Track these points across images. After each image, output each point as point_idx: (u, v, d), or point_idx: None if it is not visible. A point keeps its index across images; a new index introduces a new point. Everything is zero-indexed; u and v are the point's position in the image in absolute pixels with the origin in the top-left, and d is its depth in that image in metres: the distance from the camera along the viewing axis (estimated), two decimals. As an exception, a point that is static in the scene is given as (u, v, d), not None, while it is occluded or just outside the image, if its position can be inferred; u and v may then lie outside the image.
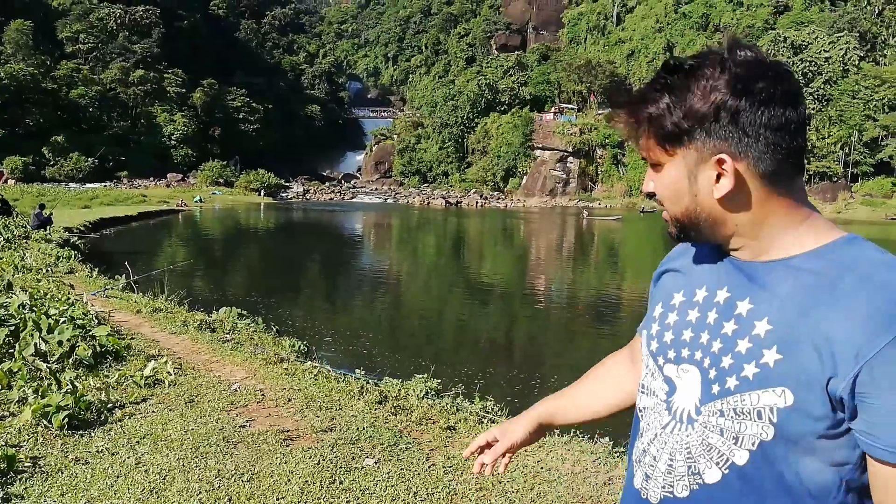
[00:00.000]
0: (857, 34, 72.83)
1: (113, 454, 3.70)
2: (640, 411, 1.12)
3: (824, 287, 0.91)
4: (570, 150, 72.02)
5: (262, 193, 64.11)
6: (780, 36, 71.52)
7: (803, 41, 71.14)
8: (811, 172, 67.73)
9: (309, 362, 6.29)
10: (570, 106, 78.95)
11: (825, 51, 70.73)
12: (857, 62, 71.16)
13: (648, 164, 1.03)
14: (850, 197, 63.52)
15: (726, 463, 0.97)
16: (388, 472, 3.66)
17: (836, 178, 66.87)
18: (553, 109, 78.23)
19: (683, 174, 0.97)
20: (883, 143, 66.24)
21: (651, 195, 1.04)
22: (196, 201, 50.78)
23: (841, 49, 70.83)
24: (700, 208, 0.98)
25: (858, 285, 0.88)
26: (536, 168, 73.68)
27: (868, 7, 77.10)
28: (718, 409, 0.97)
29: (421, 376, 5.62)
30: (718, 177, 0.94)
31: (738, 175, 0.93)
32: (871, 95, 67.76)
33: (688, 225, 1.01)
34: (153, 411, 4.44)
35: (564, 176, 72.63)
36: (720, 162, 0.93)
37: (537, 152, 74.28)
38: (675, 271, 1.14)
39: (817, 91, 69.77)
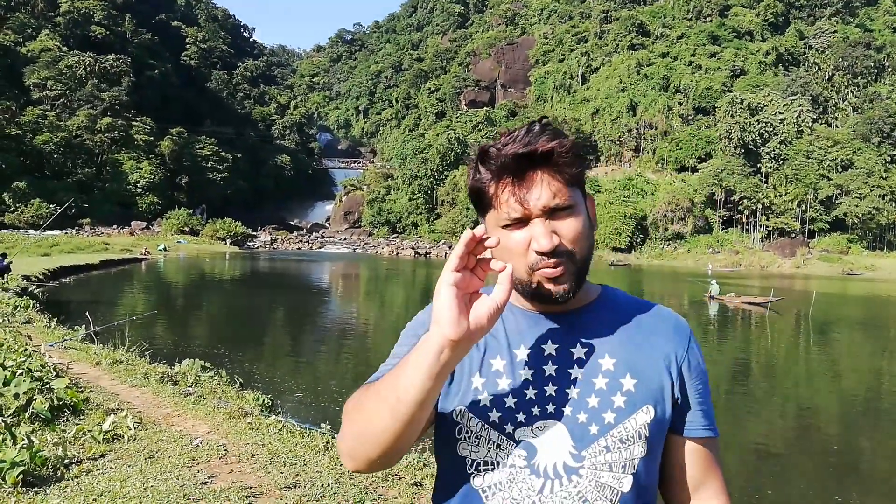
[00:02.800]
0: (810, 98, 76.42)
1: (68, 513, 3.58)
2: (485, 491, 1.06)
3: (632, 321, 1.12)
4: (538, 203, 73.26)
5: (228, 242, 63.54)
6: (737, 98, 74.62)
7: (759, 103, 74.29)
8: (770, 228, 69.80)
9: (273, 416, 6.19)
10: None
11: (780, 112, 73.92)
12: (810, 124, 74.45)
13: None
14: (808, 252, 65.44)
15: (617, 496, 1.04)
16: (354, 530, 3.61)
17: (794, 235, 68.97)
18: (521, 164, 79.99)
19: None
20: (837, 201, 68.83)
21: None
22: (160, 249, 50.06)
23: (794, 111, 74.11)
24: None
25: (654, 315, 1.14)
26: (504, 220, 74.62)
27: (819, 72, 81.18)
28: (604, 446, 1.04)
29: (387, 431, 5.57)
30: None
31: None
32: (824, 156, 70.72)
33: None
34: (112, 467, 4.32)
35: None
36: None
37: (505, 205, 75.35)
38: None
39: (773, 151, 72.60)
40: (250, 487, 4.13)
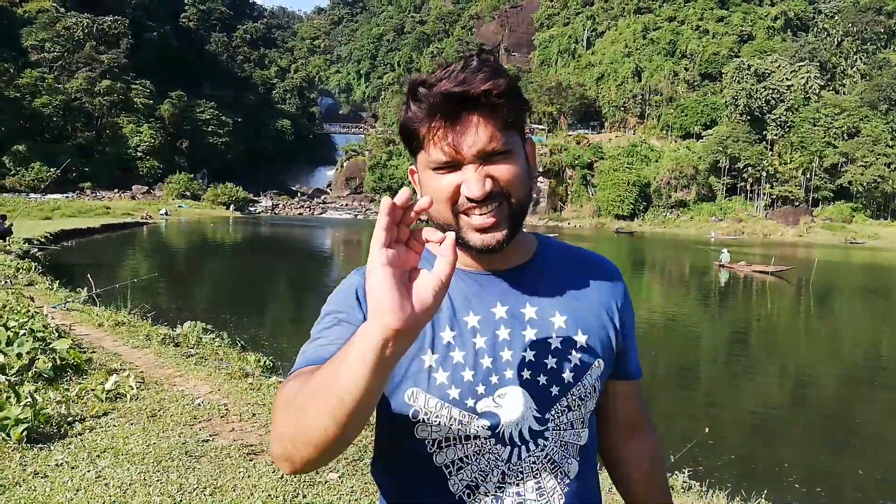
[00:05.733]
0: (818, 64, 75.33)
1: (73, 468, 3.64)
2: (448, 467, 0.99)
3: (574, 272, 1.09)
4: (541, 169, 73.00)
5: (230, 207, 63.48)
6: (744, 63, 73.59)
7: (766, 69, 73.30)
8: (774, 196, 69.50)
9: (274, 377, 6.25)
10: (540, 127, 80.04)
11: (787, 79, 72.97)
12: (817, 91, 73.54)
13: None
14: (812, 221, 65.27)
15: (577, 450, 1.04)
16: (352, 487, 3.66)
17: (797, 203, 68.71)
18: (524, 129, 79.54)
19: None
20: (842, 170, 68.40)
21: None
22: (162, 214, 50.07)
23: (802, 78, 73.14)
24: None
25: (591, 264, 1.12)
26: (506, 187, 74.45)
27: (828, 38, 79.88)
28: (566, 406, 1.01)
29: (387, 392, 5.62)
30: None
31: None
32: (830, 123, 70.03)
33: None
34: (114, 425, 4.38)
35: (535, 195, 73.48)
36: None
37: (507, 171, 75.10)
38: None
39: (780, 118, 71.88)
40: (251, 445, 4.19)
